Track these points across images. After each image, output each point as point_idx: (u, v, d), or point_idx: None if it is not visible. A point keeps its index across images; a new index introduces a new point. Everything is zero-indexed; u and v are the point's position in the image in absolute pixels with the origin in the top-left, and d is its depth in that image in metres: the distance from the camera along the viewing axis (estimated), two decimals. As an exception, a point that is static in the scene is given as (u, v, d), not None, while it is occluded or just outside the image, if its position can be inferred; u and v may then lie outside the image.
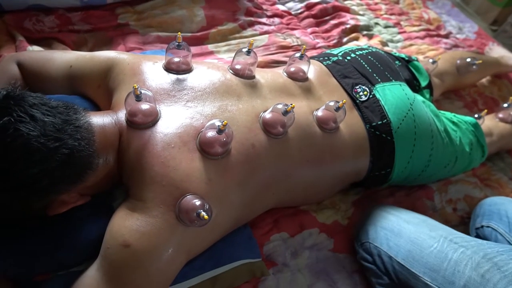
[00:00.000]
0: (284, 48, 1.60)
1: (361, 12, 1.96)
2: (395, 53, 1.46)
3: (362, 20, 1.87)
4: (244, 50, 1.01)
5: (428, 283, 0.92)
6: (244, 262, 0.97)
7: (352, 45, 1.73)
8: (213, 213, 0.79)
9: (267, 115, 0.93)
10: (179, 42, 0.94)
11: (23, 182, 0.69)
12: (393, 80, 1.20)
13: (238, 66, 1.02)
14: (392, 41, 1.91)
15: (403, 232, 1.01)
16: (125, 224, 0.75)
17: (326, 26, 1.81)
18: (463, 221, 1.33)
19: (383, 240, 1.02)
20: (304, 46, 1.09)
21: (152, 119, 0.84)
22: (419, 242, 0.97)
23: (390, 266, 0.99)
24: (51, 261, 0.81)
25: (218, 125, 0.80)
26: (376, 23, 1.96)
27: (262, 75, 1.05)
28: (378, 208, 1.14)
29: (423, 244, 0.97)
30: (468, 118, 1.37)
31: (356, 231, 1.12)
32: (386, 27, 1.98)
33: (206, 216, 0.72)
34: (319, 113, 1.02)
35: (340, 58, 1.23)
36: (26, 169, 0.68)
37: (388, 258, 1.00)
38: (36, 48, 1.26)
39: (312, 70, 1.15)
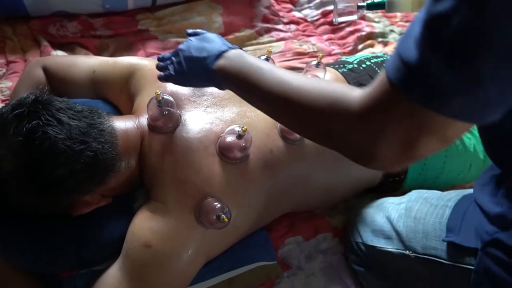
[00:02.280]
0: (300, 54, 1.61)
1: (376, 19, 1.96)
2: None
3: (378, 27, 1.87)
4: (263, 57, 1.02)
5: (383, 248, 0.95)
6: (260, 264, 0.98)
7: (367, 52, 1.73)
8: (232, 215, 0.81)
9: (285, 121, 0.95)
10: (200, 49, 0.96)
11: (49, 182, 0.72)
12: (407, 88, 1.20)
13: (256, 73, 1.03)
14: (407, 48, 1.91)
15: (371, 220, 1.02)
16: (147, 225, 0.78)
17: (342, 33, 1.82)
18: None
19: (356, 232, 1.04)
20: (320, 55, 1.10)
21: (173, 124, 0.87)
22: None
23: (365, 253, 1.00)
24: (74, 258, 0.83)
25: (238, 131, 0.82)
26: (392, 30, 1.96)
27: (279, 82, 1.06)
28: (359, 208, 1.13)
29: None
30: (483, 126, 1.36)
31: (345, 241, 1.12)
32: (401, 34, 1.98)
33: (226, 219, 0.74)
34: (334, 120, 1.03)
35: (356, 65, 1.24)
36: (53, 170, 0.71)
37: (363, 246, 1.01)
38: (59, 52, 1.30)
39: (328, 77, 1.16)
